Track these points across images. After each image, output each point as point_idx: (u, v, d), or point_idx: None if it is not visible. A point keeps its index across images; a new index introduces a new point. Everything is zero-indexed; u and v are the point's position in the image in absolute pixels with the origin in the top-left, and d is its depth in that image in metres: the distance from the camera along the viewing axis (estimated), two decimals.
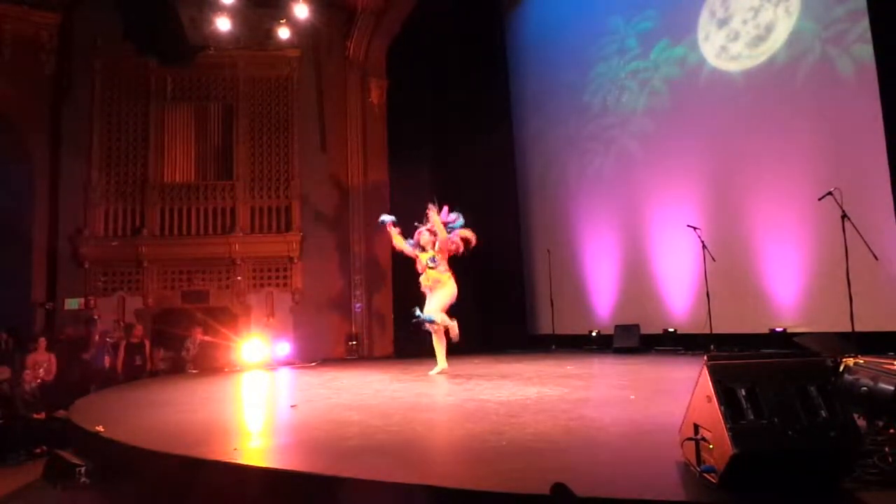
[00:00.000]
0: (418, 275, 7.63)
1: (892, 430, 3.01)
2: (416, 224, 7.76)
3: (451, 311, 7.59)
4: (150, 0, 11.69)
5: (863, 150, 7.73)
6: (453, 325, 7.39)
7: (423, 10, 12.67)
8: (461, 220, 7.81)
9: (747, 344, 8.28)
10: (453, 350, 10.75)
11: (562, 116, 12.34)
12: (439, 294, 7.44)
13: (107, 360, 10.14)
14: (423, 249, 7.56)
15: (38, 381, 9.07)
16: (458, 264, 7.96)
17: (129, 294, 11.67)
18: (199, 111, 12.44)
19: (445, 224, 7.62)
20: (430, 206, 7.65)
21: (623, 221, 11.01)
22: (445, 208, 7.80)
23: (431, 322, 7.35)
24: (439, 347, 7.55)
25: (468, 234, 7.71)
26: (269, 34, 12.11)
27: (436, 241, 7.48)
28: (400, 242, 7.82)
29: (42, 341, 9.71)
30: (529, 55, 13.38)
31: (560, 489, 2.36)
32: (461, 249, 7.66)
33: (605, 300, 11.26)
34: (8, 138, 11.51)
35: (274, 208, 12.24)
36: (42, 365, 9.44)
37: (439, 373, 7.43)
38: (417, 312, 7.37)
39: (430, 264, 7.47)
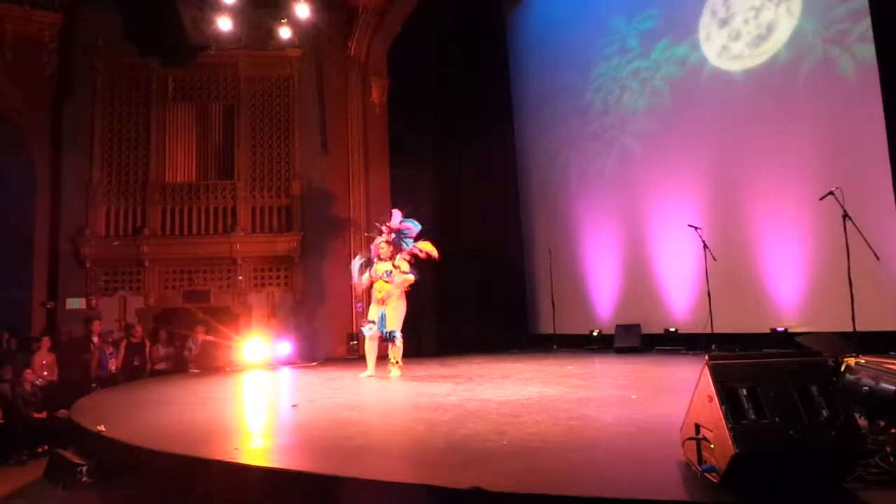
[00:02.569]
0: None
1: (893, 430, 3.00)
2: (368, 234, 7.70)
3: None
4: (151, 0, 11.69)
5: (864, 150, 7.73)
6: (401, 344, 7.35)
7: (424, 9, 12.66)
8: (416, 227, 7.60)
9: (748, 344, 8.28)
10: (455, 349, 10.78)
11: (563, 116, 12.34)
12: (398, 308, 7.31)
13: (111, 361, 10.15)
14: (381, 260, 7.40)
15: (40, 380, 9.07)
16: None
17: (131, 294, 11.68)
18: (201, 111, 12.44)
19: (399, 231, 7.48)
20: (394, 212, 7.60)
21: (624, 221, 11.01)
22: (396, 213, 7.61)
23: (394, 339, 7.25)
24: (373, 354, 7.45)
25: (430, 248, 7.56)
26: (271, 34, 12.09)
27: (395, 252, 7.38)
28: (365, 280, 7.62)
29: (45, 340, 9.72)
30: (530, 55, 13.37)
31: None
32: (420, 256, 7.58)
33: (606, 300, 11.26)
34: (9, 138, 11.52)
35: (275, 208, 12.24)
36: (45, 364, 9.45)
37: (369, 376, 7.32)
38: (381, 328, 7.25)
39: (386, 278, 7.27)
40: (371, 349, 7.46)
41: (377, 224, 7.78)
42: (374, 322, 7.27)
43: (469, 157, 12.79)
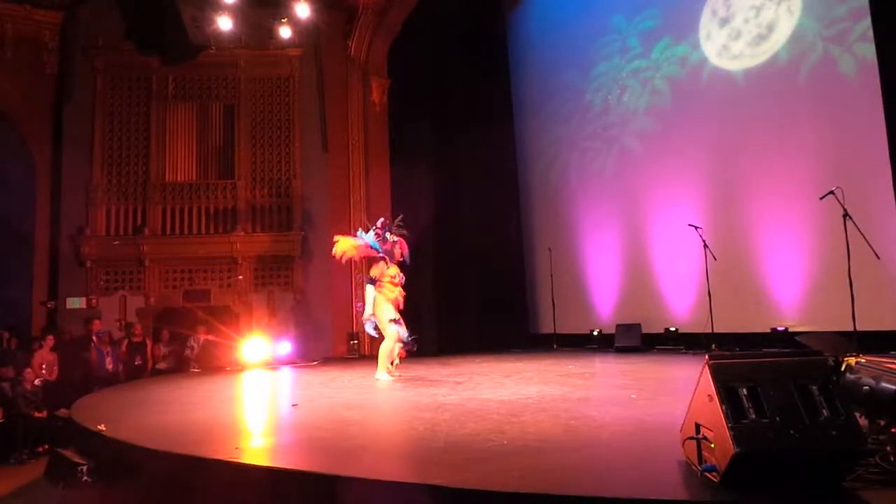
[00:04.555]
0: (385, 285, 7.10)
1: (893, 430, 3.00)
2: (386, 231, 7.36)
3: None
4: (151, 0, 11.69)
5: (864, 149, 7.73)
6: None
7: (425, 8, 12.66)
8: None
9: (749, 343, 8.27)
10: (455, 349, 10.78)
11: (563, 115, 12.33)
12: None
13: (107, 360, 10.15)
14: (390, 262, 7.15)
15: (42, 379, 9.08)
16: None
17: (131, 293, 11.68)
18: (201, 110, 12.44)
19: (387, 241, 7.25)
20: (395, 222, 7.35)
21: (624, 220, 11.01)
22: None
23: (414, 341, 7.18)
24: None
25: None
26: (271, 33, 12.09)
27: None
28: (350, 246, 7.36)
29: (49, 339, 9.72)
30: (531, 54, 13.37)
31: None
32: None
33: (606, 299, 11.25)
34: (10, 137, 11.52)
35: (275, 207, 12.24)
36: (45, 363, 9.45)
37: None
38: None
39: (400, 281, 7.15)
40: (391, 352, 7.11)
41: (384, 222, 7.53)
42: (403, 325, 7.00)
43: (469, 156, 12.79)
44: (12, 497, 5.54)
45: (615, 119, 11.34)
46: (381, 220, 7.48)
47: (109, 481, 4.25)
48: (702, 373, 2.68)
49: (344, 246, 7.40)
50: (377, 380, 6.92)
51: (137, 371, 10.26)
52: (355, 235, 7.60)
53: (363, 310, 7.26)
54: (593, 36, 11.79)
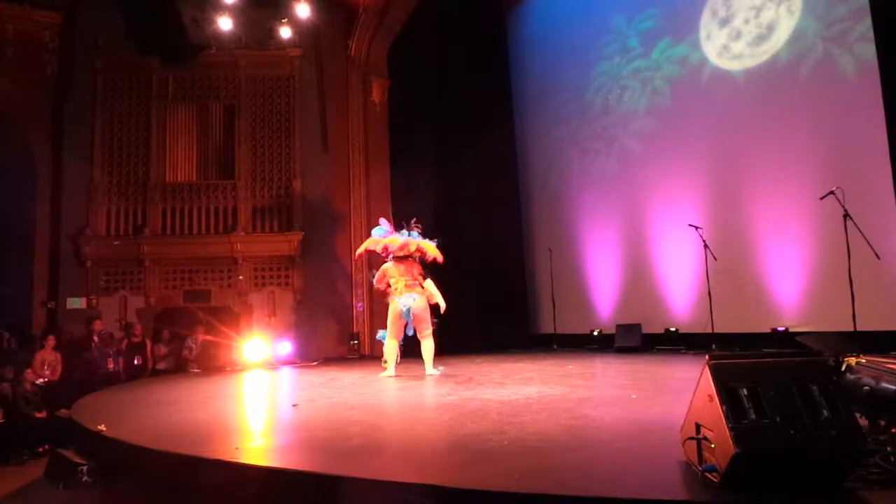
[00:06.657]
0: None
1: (893, 430, 3.00)
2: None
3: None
4: (151, 0, 11.69)
5: (865, 149, 7.74)
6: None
7: (425, 9, 12.66)
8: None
9: (749, 343, 8.28)
10: (455, 349, 10.78)
11: (563, 116, 12.34)
12: None
13: (108, 360, 10.14)
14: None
15: (45, 379, 9.07)
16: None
17: (131, 293, 11.68)
18: (201, 110, 12.44)
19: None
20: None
21: (625, 221, 11.01)
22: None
23: None
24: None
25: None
26: (271, 33, 12.10)
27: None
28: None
29: (50, 339, 9.71)
30: (531, 54, 13.37)
31: None
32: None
33: (606, 299, 11.26)
34: (10, 138, 11.50)
35: (275, 208, 12.24)
36: (49, 363, 9.45)
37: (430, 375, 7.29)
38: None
39: None
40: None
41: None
42: None
43: (469, 156, 12.79)
44: (12, 497, 5.53)
45: (615, 119, 11.34)
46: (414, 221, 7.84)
47: (109, 481, 4.25)
48: (702, 373, 2.68)
49: (398, 241, 7.73)
50: (430, 375, 7.20)
51: (137, 371, 10.25)
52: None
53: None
54: (593, 36, 11.80)
